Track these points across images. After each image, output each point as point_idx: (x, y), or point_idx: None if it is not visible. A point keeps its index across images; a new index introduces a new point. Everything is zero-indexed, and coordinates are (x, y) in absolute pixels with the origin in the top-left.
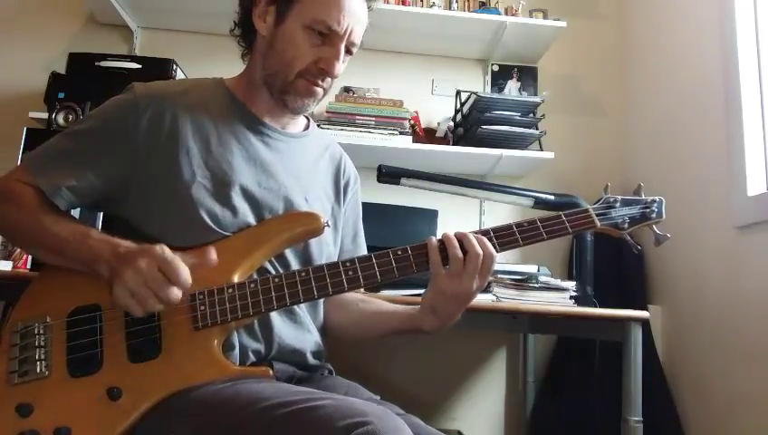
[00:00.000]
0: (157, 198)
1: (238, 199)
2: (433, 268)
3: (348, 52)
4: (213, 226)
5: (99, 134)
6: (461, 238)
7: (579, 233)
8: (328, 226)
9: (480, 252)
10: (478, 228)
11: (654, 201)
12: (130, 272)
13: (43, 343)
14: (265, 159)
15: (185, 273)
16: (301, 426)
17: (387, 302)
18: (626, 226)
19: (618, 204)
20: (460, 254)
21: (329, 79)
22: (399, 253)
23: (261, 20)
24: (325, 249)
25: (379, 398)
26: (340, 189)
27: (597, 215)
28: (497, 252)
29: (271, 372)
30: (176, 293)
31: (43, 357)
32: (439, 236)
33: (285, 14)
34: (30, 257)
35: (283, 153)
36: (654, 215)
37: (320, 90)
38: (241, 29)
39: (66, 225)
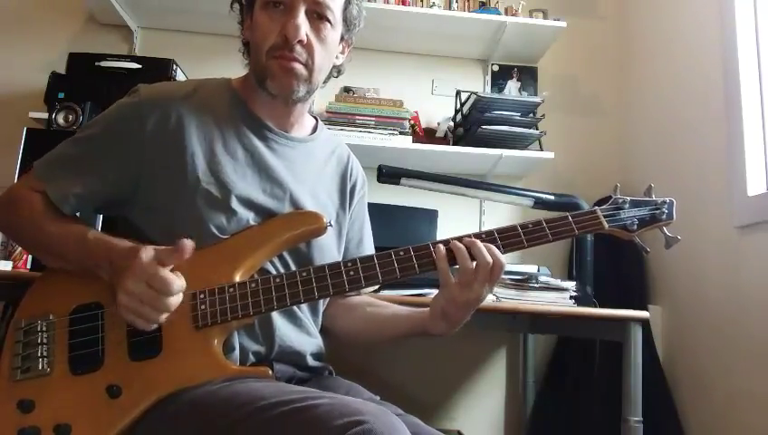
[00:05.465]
0: (161, 203)
1: (242, 207)
2: (442, 278)
3: (319, 17)
4: (217, 233)
5: (104, 140)
6: (470, 247)
7: (586, 234)
8: (330, 225)
9: (490, 261)
10: (479, 228)
11: (664, 202)
12: (123, 295)
13: (45, 341)
14: (271, 166)
15: (176, 282)
16: (297, 425)
17: (394, 305)
18: (635, 227)
19: (627, 205)
20: (470, 264)
21: (298, 48)
22: (402, 253)
23: (247, 30)
24: (327, 254)
25: (378, 398)
26: (345, 194)
27: (605, 216)
28: (502, 253)
29: (270, 371)
30: (173, 301)
31: (45, 354)
32: (440, 237)
33: (252, 10)
34: (30, 257)
35: (288, 159)
36: (664, 217)
37: (296, 65)
38: (245, 51)
39: (67, 228)
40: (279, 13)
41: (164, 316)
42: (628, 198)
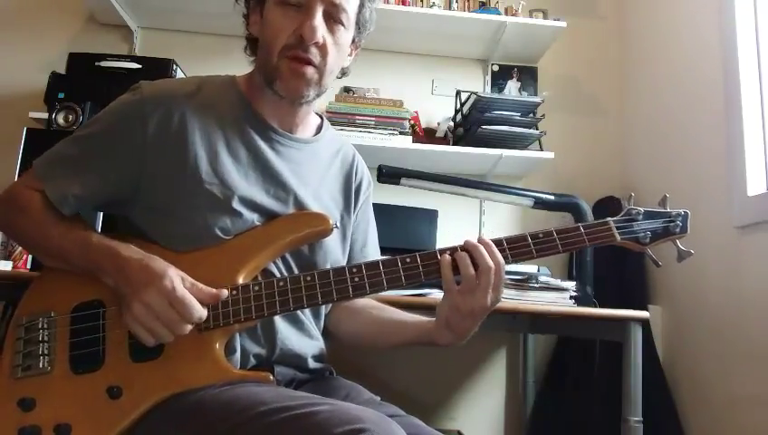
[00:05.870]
0: (162, 203)
1: (246, 208)
2: (446, 285)
3: (334, 20)
4: (220, 234)
5: (105, 139)
6: (471, 250)
7: (597, 246)
8: (337, 227)
9: (491, 265)
10: (479, 228)
11: (679, 215)
12: (139, 306)
13: (46, 338)
14: (274, 168)
15: (199, 311)
16: (297, 432)
17: (399, 311)
18: (647, 240)
19: (640, 217)
20: (472, 271)
21: (313, 50)
22: (408, 260)
23: (254, 26)
24: (332, 256)
25: (379, 398)
26: (350, 196)
27: (617, 228)
28: (509, 262)
29: (271, 377)
30: (188, 328)
31: (46, 352)
32: (439, 237)
33: (264, 5)
34: (30, 257)
35: (292, 160)
36: (678, 230)
37: (308, 69)
38: (249, 47)
39: (69, 232)
40: (294, 11)
41: (172, 338)
42: (642, 210)
